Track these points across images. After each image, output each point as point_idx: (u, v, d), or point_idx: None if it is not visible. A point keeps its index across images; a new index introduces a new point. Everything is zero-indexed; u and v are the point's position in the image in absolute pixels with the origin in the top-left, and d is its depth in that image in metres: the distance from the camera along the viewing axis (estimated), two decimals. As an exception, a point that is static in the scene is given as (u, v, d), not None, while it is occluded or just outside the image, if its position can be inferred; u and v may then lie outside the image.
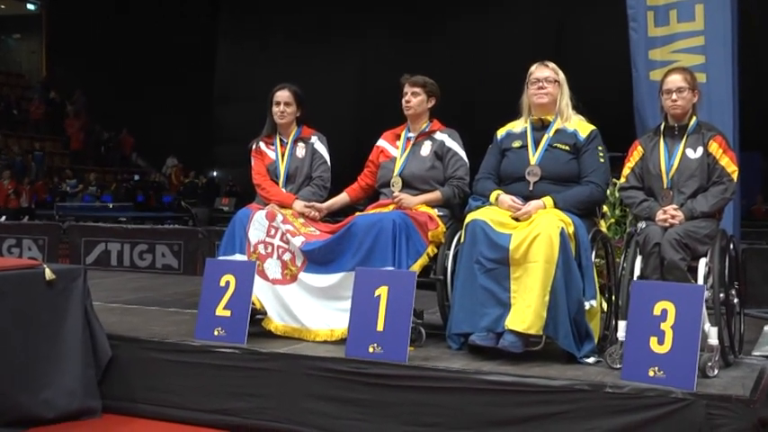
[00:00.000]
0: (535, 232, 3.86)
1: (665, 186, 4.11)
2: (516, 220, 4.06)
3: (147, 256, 8.76)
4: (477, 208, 4.25)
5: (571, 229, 3.93)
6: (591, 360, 3.85)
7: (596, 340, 3.94)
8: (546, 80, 4.30)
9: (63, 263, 8.19)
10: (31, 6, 27.99)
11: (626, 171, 4.30)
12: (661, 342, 3.45)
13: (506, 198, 4.18)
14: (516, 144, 4.37)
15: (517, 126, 4.45)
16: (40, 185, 19.99)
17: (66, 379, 4.16)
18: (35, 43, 28.40)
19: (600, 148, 4.27)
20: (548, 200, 4.09)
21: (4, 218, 12.88)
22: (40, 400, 4.06)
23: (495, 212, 4.09)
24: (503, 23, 18.33)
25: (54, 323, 4.19)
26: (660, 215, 3.99)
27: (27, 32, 28.57)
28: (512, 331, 3.83)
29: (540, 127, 4.36)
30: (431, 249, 4.34)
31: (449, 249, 4.34)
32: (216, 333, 4.28)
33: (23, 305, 4.08)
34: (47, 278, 4.18)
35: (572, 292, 3.85)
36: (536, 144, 4.31)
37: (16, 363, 3.99)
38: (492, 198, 4.26)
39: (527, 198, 4.15)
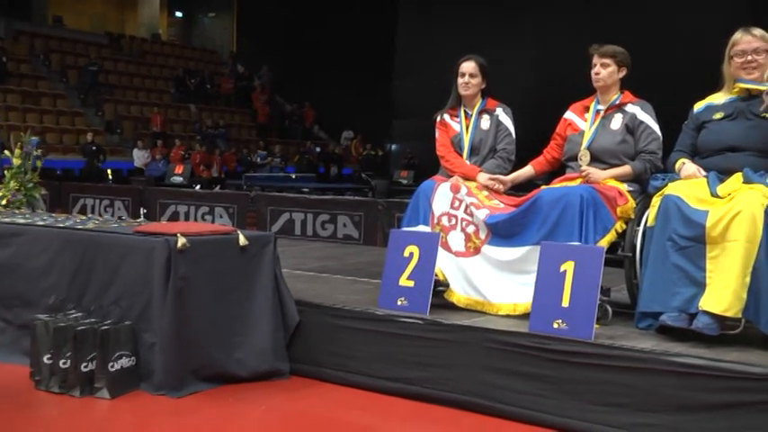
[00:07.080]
0: (736, 209, 3.60)
1: None
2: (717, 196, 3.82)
3: (328, 226, 9.02)
4: (657, 189, 4.03)
5: (777, 207, 3.64)
6: (797, 348, 3.58)
7: (804, 327, 3.66)
8: (755, 52, 3.99)
9: (250, 230, 8.56)
10: (225, -15, 29.77)
11: None
12: None
13: (691, 167, 3.99)
14: (717, 116, 4.10)
15: (718, 98, 4.17)
16: (229, 156, 21.05)
17: (257, 340, 4.33)
18: (227, 20, 30.09)
19: None
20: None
21: (198, 186, 13.65)
22: (234, 359, 4.25)
23: (691, 187, 3.85)
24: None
25: (246, 287, 4.37)
26: None
27: (220, 10, 30.35)
28: (707, 312, 3.61)
29: (747, 97, 4.07)
30: (619, 225, 4.16)
31: (638, 225, 4.16)
32: (399, 303, 4.33)
33: (219, 268, 4.26)
34: (240, 244, 4.35)
35: (777, 274, 3.58)
36: (740, 115, 4.04)
37: (213, 322, 4.19)
38: (677, 166, 4.08)
39: (724, 171, 3.89)
